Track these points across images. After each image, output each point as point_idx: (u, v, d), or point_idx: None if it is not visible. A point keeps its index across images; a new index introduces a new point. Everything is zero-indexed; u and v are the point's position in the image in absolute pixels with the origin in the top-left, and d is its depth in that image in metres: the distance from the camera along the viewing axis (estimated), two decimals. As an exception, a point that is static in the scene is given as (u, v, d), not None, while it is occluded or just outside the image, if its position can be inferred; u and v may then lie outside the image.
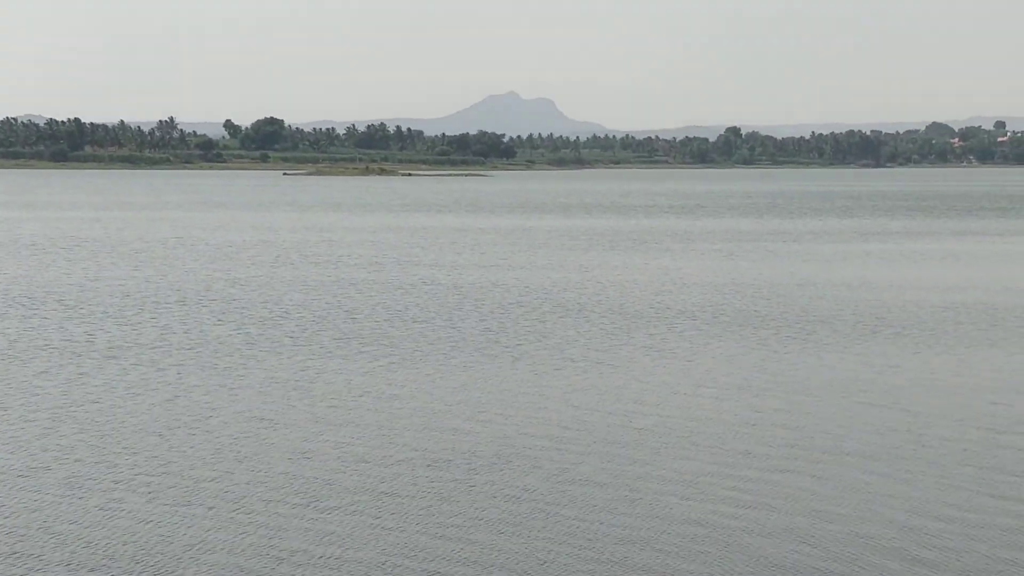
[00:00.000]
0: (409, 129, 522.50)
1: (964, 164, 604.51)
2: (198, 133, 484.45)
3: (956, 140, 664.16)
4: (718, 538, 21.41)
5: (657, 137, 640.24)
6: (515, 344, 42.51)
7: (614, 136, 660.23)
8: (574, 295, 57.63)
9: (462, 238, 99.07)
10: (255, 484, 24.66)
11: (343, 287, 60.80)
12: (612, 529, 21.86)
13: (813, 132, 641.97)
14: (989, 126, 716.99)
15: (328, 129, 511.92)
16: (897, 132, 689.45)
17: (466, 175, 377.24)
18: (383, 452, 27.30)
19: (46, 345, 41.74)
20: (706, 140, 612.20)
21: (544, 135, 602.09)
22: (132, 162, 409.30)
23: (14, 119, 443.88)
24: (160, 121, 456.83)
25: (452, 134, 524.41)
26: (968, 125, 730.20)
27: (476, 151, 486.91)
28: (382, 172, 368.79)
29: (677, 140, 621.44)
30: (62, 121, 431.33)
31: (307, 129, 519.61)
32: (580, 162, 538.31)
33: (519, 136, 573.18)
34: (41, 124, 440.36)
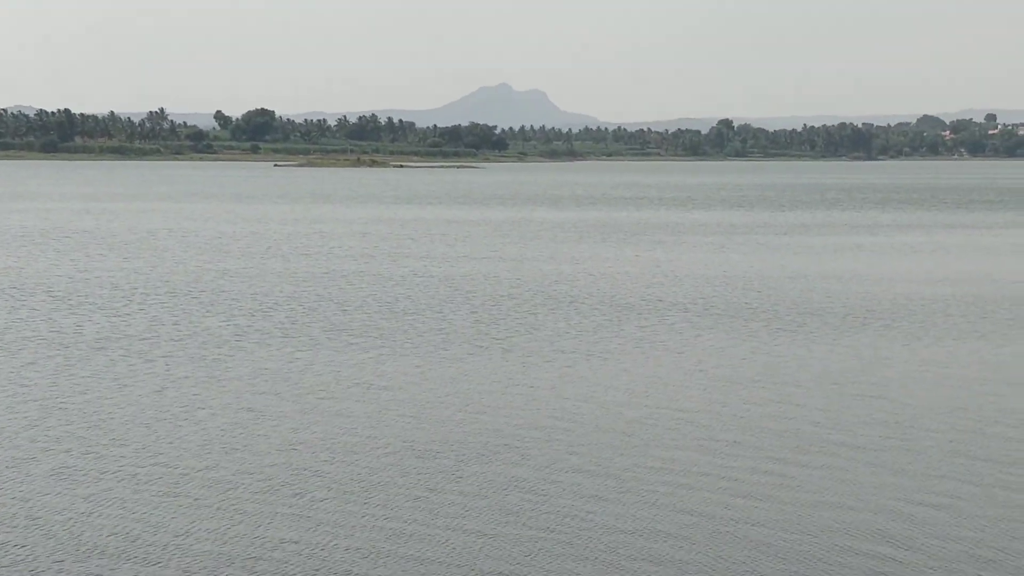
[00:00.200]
0: (401, 121, 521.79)
1: (955, 157, 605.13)
2: (188, 124, 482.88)
3: (947, 133, 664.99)
4: (708, 526, 21.45)
5: (649, 129, 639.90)
6: (506, 336, 42.51)
7: (606, 128, 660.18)
8: (565, 287, 57.64)
9: (453, 230, 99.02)
10: (243, 475, 24.64)
11: (333, 279, 60.73)
12: (602, 518, 21.88)
13: (805, 125, 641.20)
14: (980, 119, 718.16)
15: (319, 120, 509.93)
16: (888, 125, 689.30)
17: (458, 167, 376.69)
18: (373, 443, 27.29)
19: (34, 336, 41.66)
20: (698, 133, 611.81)
21: (536, 127, 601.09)
22: (122, 153, 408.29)
23: (4, 110, 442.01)
24: (150, 112, 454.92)
25: (444, 126, 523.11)
26: (959, 118, 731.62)
27: (468, 143, 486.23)
28: (373, 164, 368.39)
29: (669, 132, 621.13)
30: (52, 112, 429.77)
31: (298, 120, 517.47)
32: (572, 154, 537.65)
33: (511, 128, 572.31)
34: (31, 115, 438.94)
